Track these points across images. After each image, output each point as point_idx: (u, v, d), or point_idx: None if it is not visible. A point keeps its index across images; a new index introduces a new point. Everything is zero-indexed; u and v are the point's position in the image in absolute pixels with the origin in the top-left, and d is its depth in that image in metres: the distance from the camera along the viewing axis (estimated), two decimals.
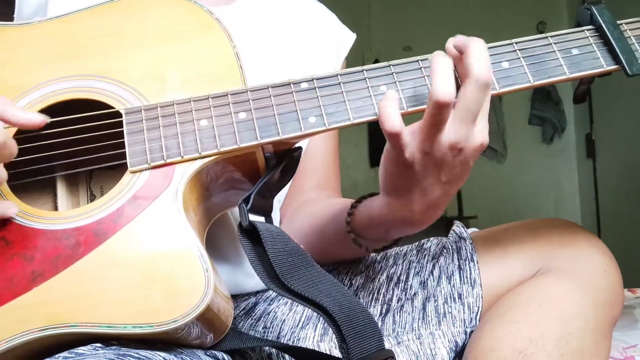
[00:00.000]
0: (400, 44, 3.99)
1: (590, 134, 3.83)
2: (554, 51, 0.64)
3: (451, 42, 0.59)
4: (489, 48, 0.63)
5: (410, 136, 0.58)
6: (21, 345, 0.53)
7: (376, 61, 3.95)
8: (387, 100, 0.58)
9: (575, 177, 4.04)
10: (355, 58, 1.00)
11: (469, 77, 0.56)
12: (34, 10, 0.81)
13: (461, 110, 0.56)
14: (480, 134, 0.58)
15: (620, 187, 3.42)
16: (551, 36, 0.65)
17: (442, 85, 0.55)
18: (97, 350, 0.52)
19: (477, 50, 0.57)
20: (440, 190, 0.60)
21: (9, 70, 0.65)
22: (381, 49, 3.89)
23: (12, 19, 0.81)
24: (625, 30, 0.66)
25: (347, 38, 1.00)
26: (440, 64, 0.56)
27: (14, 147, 0.55)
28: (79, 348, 0.52)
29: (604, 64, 0.64)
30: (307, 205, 0.88)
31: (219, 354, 0.63)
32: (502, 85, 0.63)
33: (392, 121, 0.57)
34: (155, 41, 0.66)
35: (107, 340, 0.54)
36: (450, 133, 0.57)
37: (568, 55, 0.64)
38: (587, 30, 0.66)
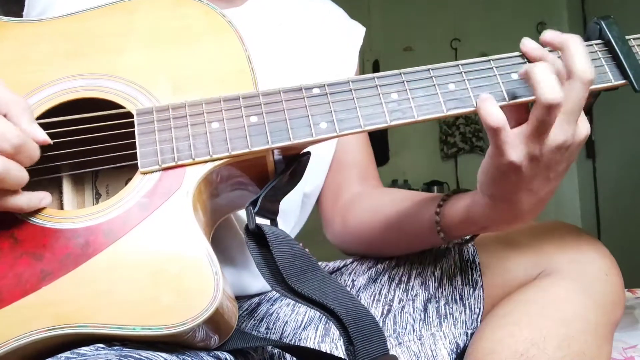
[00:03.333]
0: (400, 44, 3.95)
1: (590, 134, 3.82)
2: None
3: (537, 41, 0.61)
4: (495, 60, 0.64)
5: (514, 138, 0.58)
6: (28, 345, 0.52)
7: (376, 62, 3.91)
8: (486, 99, 0.59)
9: (575, 177, 4.02)
10: None
11: (574, 76, 0.57)
12: (41, 9, 0.80)
13: (568, 110, 0.57)
14: (583, 127, 0.60)
15: (620, 187, 3.41)
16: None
17: (551, 87, 0.56)
18: (99, 350, 0.52)
19: (576, 48, 0.58)
20: (548, 187, 0.61)
21: (19, 67, 0.64)
22: (381, 49, 3.85)
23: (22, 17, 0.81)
24: (634, 45, 0.66)
25: (357, 30, 0.99)
26: (540, 67, 0.57)
27: (35, 150, 0.55)
28: (81, 348, 0.52)
29: (612, 79, 0.64)
30: (362, 199, 0.87)
31: (222, 354, 0.63)
32: (511, 97, 0.62)
33: (494, 115, 0.57)
34: (167, 42, 0.65)
35: (111, 341, 0.54)
36: (558, 135, 0.58)
37: None
38: (596, 44, 0.66)
